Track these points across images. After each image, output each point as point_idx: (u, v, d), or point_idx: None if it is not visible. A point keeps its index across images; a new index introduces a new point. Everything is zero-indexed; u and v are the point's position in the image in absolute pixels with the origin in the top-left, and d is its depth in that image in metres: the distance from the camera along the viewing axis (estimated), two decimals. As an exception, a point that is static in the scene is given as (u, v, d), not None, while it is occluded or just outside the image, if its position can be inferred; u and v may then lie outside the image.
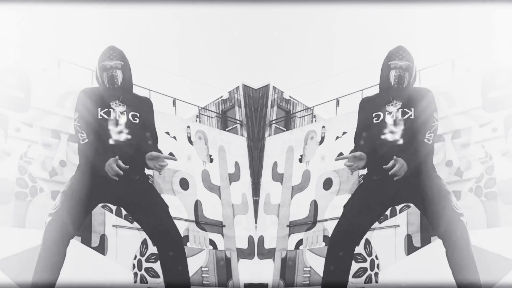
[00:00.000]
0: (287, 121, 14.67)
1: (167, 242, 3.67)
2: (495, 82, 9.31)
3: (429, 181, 3.48)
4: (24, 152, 9.10)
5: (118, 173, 3.88)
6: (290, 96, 14.82)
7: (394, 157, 4.01)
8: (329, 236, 10.56)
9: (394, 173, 3.91)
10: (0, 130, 8.92)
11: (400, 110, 3.73)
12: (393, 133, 3.67)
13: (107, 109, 3.56)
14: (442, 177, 9.56)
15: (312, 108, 14.44)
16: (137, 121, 3.57)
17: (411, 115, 3.61)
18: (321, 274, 10.93)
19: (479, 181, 9.01)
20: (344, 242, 3.85)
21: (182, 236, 3.55)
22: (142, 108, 3.73)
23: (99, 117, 3.56)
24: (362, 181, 3.75)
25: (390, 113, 3.91)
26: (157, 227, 3.75)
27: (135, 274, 9.99)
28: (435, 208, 3.79)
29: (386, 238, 9.92)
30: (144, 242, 10.26)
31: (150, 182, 3.76)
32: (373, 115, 3.61)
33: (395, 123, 3.62)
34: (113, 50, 3.83)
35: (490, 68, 9.54)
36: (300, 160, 12.41)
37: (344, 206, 4.05)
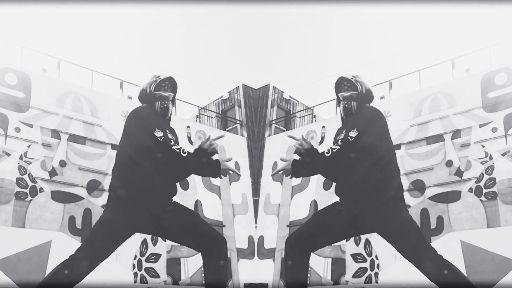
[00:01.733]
0: (287, 121, 14.66)
1: (211, 246, 3.64)
2: (495, 82, 9.32)
3: (391, 212, 3.38)
4: (24, 152, 9.10)
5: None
6: (290, 96, 14.82)
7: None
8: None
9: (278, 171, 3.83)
10: (0, 130, 8.92)
11: (344, 139, 3.67)
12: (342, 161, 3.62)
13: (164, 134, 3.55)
14: (442, 177, 9.59)
15: (312, 108, 14.45)
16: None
17: (344, 140, 3.52)
18: (321, 274, 10.95)
19: (479, 181, 9.01)
20: (300, 248, 3.80)
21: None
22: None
23: (163, 139, 3.54)
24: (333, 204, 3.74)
25: (337, 141, 3.87)
26: (200, 237, 3.73)
27: (135, 274, 9.99)
28: (401, 243, 3.70)
29: (386, 238, 9.92)
30: (144, 242, 10.26)
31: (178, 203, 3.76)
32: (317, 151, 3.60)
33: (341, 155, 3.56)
34: (169, 81, 3.80)
35: (490, 68, 9.54)
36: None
37: (313, 215, 4.05)
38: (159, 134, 3.82)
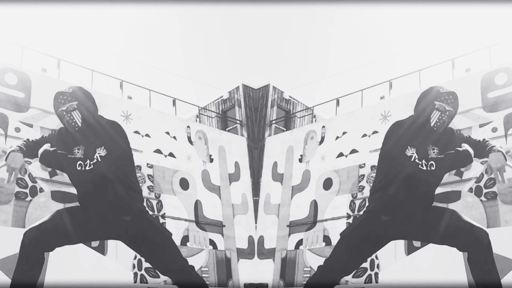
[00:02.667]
0: (287, 121, 14.66)
1: (178, 272, 3.67)
2: (495, 82, 9.32)
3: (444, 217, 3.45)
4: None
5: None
6: (290, 96, 14.82)
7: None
8: (329, 237, 10.58)
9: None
10: (0, 130, 8.92)
11: (425, 158, 3.70)
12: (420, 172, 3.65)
13: (86, 162, 3.55)
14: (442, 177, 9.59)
15: (312, 108, 14.45)
16: (112, 156, 3.55)
17: (432, 165, 3.58)
18: (321, 274, 10.93)
19: (479, 181, 9.01)
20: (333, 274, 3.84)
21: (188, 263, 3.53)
22: (114, 138, 3.67)
23: (78, 168, 3.54)
24: (366, 216, 3.68)
25: (412, 156, 3.90)
26: (165, 262, 3.74)
27: (135, 274, 9.99)
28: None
29: (386, 238, 9.92)
30: (144, 242, 10.25)
31: (145, 217, 3.68)
32: (405, 151, 3.60)
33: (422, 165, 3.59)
34: (61, 94, 3.81)
35: (490, 68, 9.55)
36: (300, 160, 12.41)
37: (341, 235, 4.04)
38: (78, 155, 3.89)
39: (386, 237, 3.35)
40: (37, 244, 3.80)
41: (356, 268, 3.75)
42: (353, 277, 10.27)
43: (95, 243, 9.34)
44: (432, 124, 3.44)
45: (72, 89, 3.48)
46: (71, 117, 3.51)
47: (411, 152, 3.46)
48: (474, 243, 3.37)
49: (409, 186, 3.43)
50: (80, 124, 3.49)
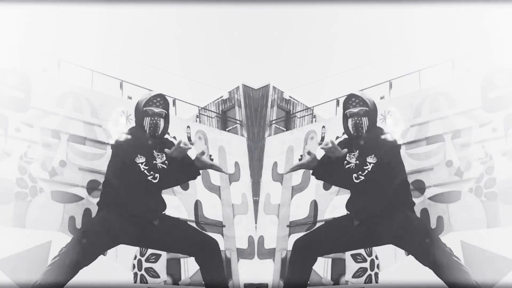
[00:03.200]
0: (287, 121, 14.66)
1: (204, 253, 3.69)
2: (495, 82, 9.32)
3: (405, 222, 3.43)
4: (24, 152, 9.10)
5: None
6: (290, 96, 14.82)
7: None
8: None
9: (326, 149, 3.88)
10: (0, 130, 8.92)
11: (357, 165, 3.72)
12: (359, 179, 3.67)
13: (152, 163, 3.55)
14: (442, 177, 9.59)
15: (312, 108, 14.44)
16: (166, 167, 3.64)
17: (368, 168, 3.59)
18: (321, 274, 10.94)
19: (479, 181, 9.01)
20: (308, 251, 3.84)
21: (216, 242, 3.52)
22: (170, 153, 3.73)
23: (142, 169, 3.54)
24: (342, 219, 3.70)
25: (349, 164, 3.93)
26: (191, 246, 3.76)
27: (135, 274, 9.98)
28: (416, 250, 3.78)
29: (386, 238, 9.92)
30: (144, 242, 10.25)
31: (168, 217, 3.71)
32: (344, 162, 3.65)
33: (357, 172, 3.63)
34: (161, 97, 3.80)
35: (490, 68, 9.54)
36: (300, 160, 12.41)
37: (325, 223, 4.06)
38: (140, 160, 3.87)
39: (363, 240, 3.35)
40: (78, 265, 3.77)
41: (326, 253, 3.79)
42: (353, 277, 10.27)
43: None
44: (352, 133, 3.47)
45: (167, 101, 3.50)
46: (156, 121, 3.51)
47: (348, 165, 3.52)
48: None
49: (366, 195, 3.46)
50: (159, 132, 3.50)
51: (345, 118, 3.98)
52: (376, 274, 9.97)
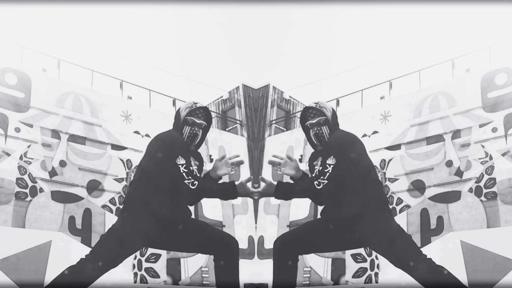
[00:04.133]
0: (287, 121, 14.66)
1: (222, 250, 3.69)
2: (495, 82, 9.31)
3: (373, 224, 3.43)
4: (24, 152, 9.09)
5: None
6: (290, 96, 14.81)
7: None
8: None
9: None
10: (0, 130, 8.92)
11: (320, 170, 3.71)
12: (321, 184, 3.66)
13: (186, 162, 3.57)
14: (442, 177, 9.59)
15: (312, 108, 14.43)
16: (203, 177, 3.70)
17: (329, 171, 3.57)
18: (321, 274, 10.94)
19: (479, 181, 9.01)
20: (293, 250, 3.82)
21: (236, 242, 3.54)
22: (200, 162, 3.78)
23: (182, 171, 3.56)
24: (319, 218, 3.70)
25: (314, 171, 3.92)
26: (211, 243, 3.75)
27: (135, 274, 9.98)
28: (392, 254, 3.75)
29: (386, 238, 9.92)
30: (144, 242, 10.25)
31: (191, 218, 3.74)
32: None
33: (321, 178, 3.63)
34: (204, 110, 3.80)
35: (490, 68, 9.54)
36: (300, 160, 12.40)
37: (305, 224, 4.04)
38: (181, 161, 3.83)
39: (339, 243, 3.38)
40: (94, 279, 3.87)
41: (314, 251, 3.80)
42: (353, 277, 10.27)
43: (95, 243, 9.35)
44: (315, 143, 3.47)
45: (209, 114, 3.55)
46: (195, 132, 3.51)
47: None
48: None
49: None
50: (196, 143, 3.52)
51: (307, 131, 3.96)
52: (376, 274, 9.97)
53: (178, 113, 3.99)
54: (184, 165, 3.65)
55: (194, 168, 3.94)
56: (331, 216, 3.70)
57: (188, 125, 3.98)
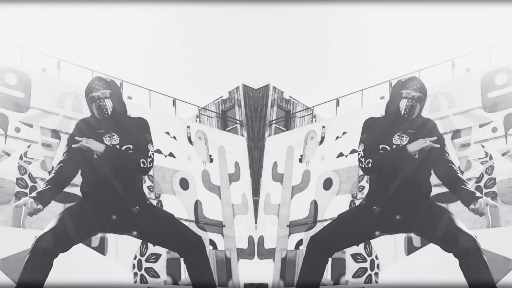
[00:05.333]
0: (287, 121, 14.67)
1: (188, 248, 3.69)
2: (495, 82, 9.32)
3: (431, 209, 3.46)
4: (24, 152, 9.10)
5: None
6: (290, 96, 14.82)
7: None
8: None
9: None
10: (0, 130, 8.92)
11: (404, 146, 3.71)
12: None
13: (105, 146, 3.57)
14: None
15: (312, 108, 14.45)
16: (131, 151, 3.60)
17: (415, 154, 3.60)
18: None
19: (479, 181, 9.01)
20: (325, 248, 3.83)
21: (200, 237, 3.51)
22: (136, 134, 3.69)
23: (95, 156, 3.57)
24: (363, 202, 3.63)
25: (397, 146, 3.90)
26: (175, 239, 3.74)
27: (135, 274, 9.98)
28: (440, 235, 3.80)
29: (386, 238, 9.92)
30: (144, 242, 10.24)
31: (149, 203, 3.67)
32: (380, 147, 3.58)
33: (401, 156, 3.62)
34: (98, 80, 3.83)
35: (490, 68, 9.55)
36: (300, 160, 12.41)
37: (339, 215, 3.98)
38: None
39: (377, 228, 3.34)
40: (49, 251, 3.85)
41: (346, 247, 3.72)
42: (353, 277, 10.27)
43: (95, 243, 9.34)
44: (402, 113, 3.44)
45: (109, 79, 3.55)
46: (101, 104, 3.56)
47: (389, 143, 3.48)
48: (462, 251, 3.41)
49: (396, 175, 3.42)
50: (110, 112, 3.54)
51: (397, 97, 3.96)
52: (376, 274, 9.97)
53: (86, 99, 4.06)
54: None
55: (110, 141, 3.94)
56: (383, 198, 3.63)
57: (94, 101, 4.04)
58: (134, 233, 3.88)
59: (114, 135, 3.79)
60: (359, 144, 3.49)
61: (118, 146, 3.61)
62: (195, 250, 3.69)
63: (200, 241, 3.65)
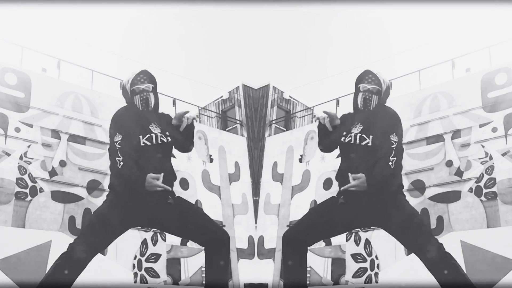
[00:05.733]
0: (287, 121, 14.66)
1: (213, 241, 3.69)
2: (495, 82, 9.31)
3: (395, 206, 3.46)
4: (24, 152, 9.10)
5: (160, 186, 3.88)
6: (290, 96, 14.82)
7: (350, 174, 3.94)
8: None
9: (350, 187, 3.88)
10: (0, 130, 8.92)
11: (359, 135, 3.75)
12: (354, 157, 3.70)
13: (148, 135, 3.63)
14: (442, 177, 9.59)
15: (312, 108, 14.45)
16: (169, 140, 3.68)
17: (368, 142, 3.63)
18: (321, 274, 10.94)
19: (479, 181, 9.01)
20: (298, 243, 3.81)
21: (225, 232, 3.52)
22: (168, 126, 3.78)
23: (142, 143, 3.62)
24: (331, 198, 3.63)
25: (350, 135, 3.92)
26: (201, 231, 3.74)
27: (135, 274, 9.98)
28: (406, 234, 3.78)
29: (386, 238, 9.85)
30: (144, 242, 10.26)
31: (184, 200, 3.69)
32: (343, 133, 3.63)
33: (355, 147, 3.68)
34: (144, 73, 3.89)
35: (490, 68, 9.54)
36: (300, 160, 12.41)
37: (310, 210, 3.95)
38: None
39: (347, 220, 3.33)
40: (84, 261, 3.87)
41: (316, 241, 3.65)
42: (353, 277, 10.27)
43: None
44: (359, 106, 3.47)
45: (150, 75, 3.61)
46: (146, 97, 3.61)
47: (349, 136, 3.52)
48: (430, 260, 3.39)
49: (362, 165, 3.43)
50: (152, 106, 3.58)
51: (357, 92, 4.02)
52: (376, 274, 9.97)
53: (124, 89, 4.09)
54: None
55: (157, 131, 3.99)
56: (345, 188, 3.66)
57: (136, 94, 4.07)
58: (172, 228, 3.81)
59: (158, 126, 3.88)
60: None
61: (161, 136, 3.72)
62: (222, 248, 3.73)
63: (228, 239, 3.68)
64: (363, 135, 3.77)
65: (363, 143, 3.77)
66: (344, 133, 3.97)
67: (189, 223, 3.91)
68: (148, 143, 3.89)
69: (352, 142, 3.76)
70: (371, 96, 3.98)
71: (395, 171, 3.88)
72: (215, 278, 3.97)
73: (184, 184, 11.48)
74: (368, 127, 3.81)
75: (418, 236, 3.83)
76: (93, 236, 3.81)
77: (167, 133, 4.06)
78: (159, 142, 3.92)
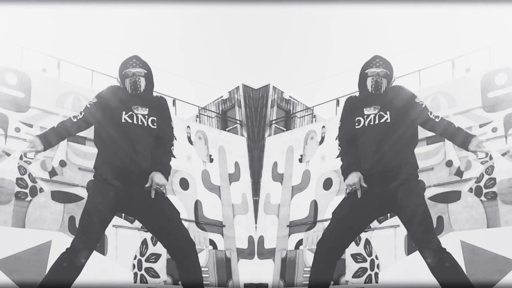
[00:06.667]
0: (287, 121, 14.67)
1: (181, 250, 3.63)
2: (495, 82, 9.31)
3: (404, 194, 3.43)
4: (24, 152, 9.08)
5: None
6: (290, 96, 14.82)
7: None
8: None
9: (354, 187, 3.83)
10: (0, 130, 8.92)
11: (378, 114, 3.70)
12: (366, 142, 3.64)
13: (130, 113, 3.61)
14: (442, 177, 9.59)
15: (312, 108, 14.45)
16: (155, 127, 3.61)
17: (387, 119, 3.59)
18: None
19: (479, 181, 9.01)
20: (331, 249, 3.75)
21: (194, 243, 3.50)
22: (160, 111, 3.72)
23: (123, 120, 3.59)
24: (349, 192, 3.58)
25: (368, 116, 3.85)
26: (171, 235, 3.69)
27: (135, 274, 9.98)
28: (411, 225, 3.73)
29: (386, 238, 9.93)
30: (144, 242, 10.26)
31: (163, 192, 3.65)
32: (355, 120, 3.55)
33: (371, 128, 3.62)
34: (136, 58, 3.86)
35: (490, 68, 9.54)
36: (300, 160, 12.41)
37: (333, 214, 3.89)
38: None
39: (366, 214, 3.30)
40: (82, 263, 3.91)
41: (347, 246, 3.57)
42: (353, 277, 10.27)
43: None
44: (370, 90, 3.43)
45: (145, 62, 3.60)
46: (135, 80, 3.58)
47: (368, 118, 3.46)
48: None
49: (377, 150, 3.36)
50: (142, 90, 3.56)
51: (364, 77, 3.96)
52: (376, 274, 9.97)
53: (119, 74, 4.08)
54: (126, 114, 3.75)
55: (139, 114, 3.97)
56: (374, 170, 3.58)
57: (128, 77, 4.06)
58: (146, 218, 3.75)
59: (142, 108, 3.83)
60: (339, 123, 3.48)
61: (146, 117, 3.66)
62: (188, 252, 3.67)
63: (193, 245, 3.59)
64: (381, 113, 3.73)
65: (382, 120, 3.73)
66: (358, 118, 3.89)
67: (161, 224, 3.86)
68: (130, 121, 3.86)
69: (372, 123, 3.71)
70: (381, 79, 3.92)
71: (410, 156, 3.85)
72: (189, 280, 3.92)
73: (184, 184, 11.49)
74: (385, 105, 3.77)
75: (420, 229, 3.77)
76: (91, 231, 3.78)
77: (154, 118, 4.01)
78: (140, 123, 3.89)
